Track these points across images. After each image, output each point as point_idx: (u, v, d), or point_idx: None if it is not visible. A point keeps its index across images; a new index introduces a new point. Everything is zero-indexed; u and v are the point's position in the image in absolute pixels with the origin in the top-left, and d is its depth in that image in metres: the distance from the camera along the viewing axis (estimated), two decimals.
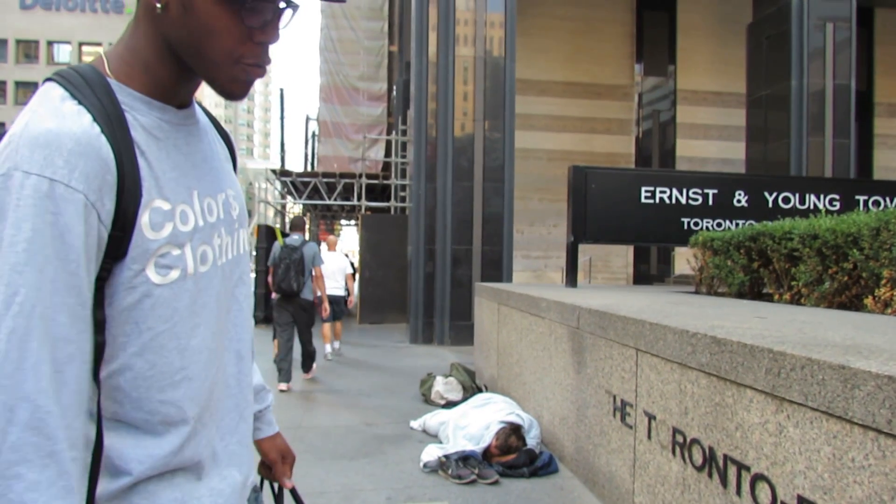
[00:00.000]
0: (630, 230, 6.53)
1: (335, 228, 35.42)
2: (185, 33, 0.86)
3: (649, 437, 2.96)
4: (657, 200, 6.49)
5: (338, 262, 9.17)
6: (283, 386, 6.43)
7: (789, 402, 1.99)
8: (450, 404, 5.48)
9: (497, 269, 10.38)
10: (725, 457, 2.34)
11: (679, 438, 2.68)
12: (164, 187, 0.88)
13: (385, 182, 15.13)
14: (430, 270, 10.42)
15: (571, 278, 6.48)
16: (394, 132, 15.16)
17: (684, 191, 6.53)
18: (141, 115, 0.88)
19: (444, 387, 5.89)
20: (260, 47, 0.88)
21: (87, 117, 0.81)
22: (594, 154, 16.79)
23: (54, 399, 0.72)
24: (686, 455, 2.62)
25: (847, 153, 11.09)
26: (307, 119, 23.60)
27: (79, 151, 0.77)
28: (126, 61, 0.89)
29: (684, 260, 7.61)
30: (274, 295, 6.71)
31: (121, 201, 0.81)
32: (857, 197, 6.65)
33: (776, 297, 4.79)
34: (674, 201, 6.51)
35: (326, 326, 8.59)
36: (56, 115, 0.79)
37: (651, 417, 2.94)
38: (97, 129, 0.80)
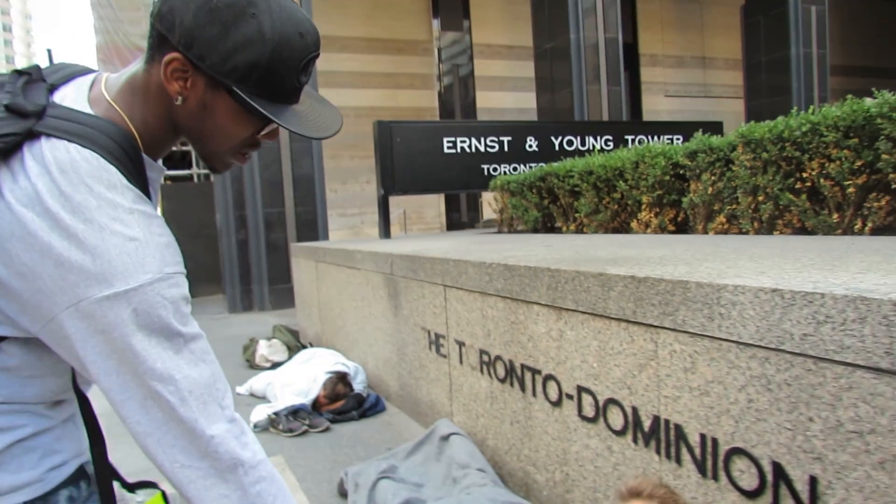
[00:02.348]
0: (436, 180, 6.89)
1: None
2: (198, 125, 0.92)
3: (461, 362, 3.28)
4: (459, 150, 6.89)
5: None
6: None
7: (565, 310, 2.36)
8: (275, 366, 5.51)
9: (313, 229, 10.36)
10: (522, 366, 2.70)
11: (485, 358, 3.02)
12: None
13: (184, 148, 14.26)
14: (243, 237, 10.14)
15: (385, 230, 6.72)
16: None
17: (482, 139, 7.00)
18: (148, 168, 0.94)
19: (268, 349, 5.89)
20: (258, 143, 0.98)
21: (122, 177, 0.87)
22: (400, 109, 17.04)
23: None
24: (492, 371, 2.97)
25: (619, 99, 12.41)
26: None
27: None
28: (131, 104, 0.91)
29: (491, 205, 8.19)
30: None
31: None
32: (626, 136, 7.57)
33: (564, 228, 5.39)
34: (474, 150, 6.95)
35: None
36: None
37: (461, 344, 3.26)
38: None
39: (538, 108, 13.59)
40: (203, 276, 12.80)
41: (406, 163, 6.63)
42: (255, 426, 4.08)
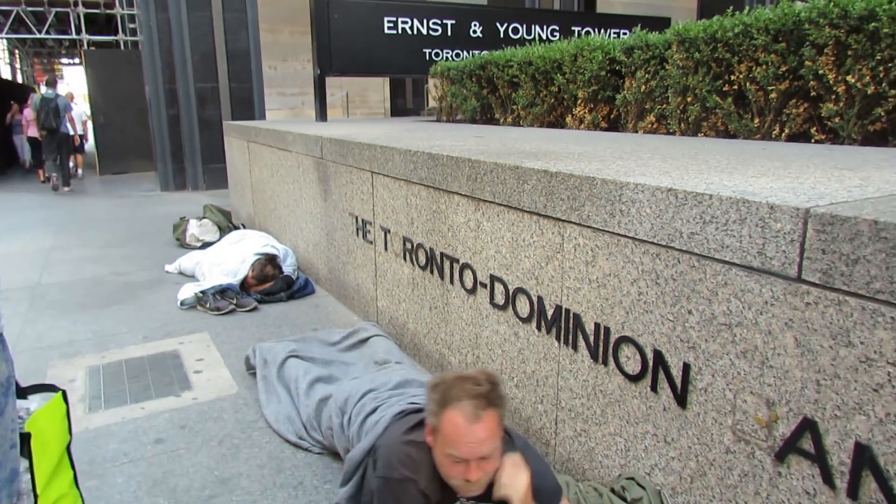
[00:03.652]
0: (376, 61, 6.64)
1: (55, 68, 30.43)
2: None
3: (386, 248, 3.33)
4: (400, 31, 6.61)
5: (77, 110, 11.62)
6: (68, 189, 10.09)
7: (483, 202, 2.39)
8: (206, 245, 5.46)
9: (249, 107, 9.97)
10: (442, 254, 2.76)
11: (408, 245, 3.07)
12: None
13: (109, 12, 13.20)
14: (175, 112, 9.68)
15: (321, 112, 6.52)
16: None
17: (425, 21, 6.71)
18: None
19: (198, 229, 5.81)
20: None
21: None
22: None
23: None
24: (414, 258, 3.03)
25: None
26: None
27: None
28: None
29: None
30: (41, 134, 10.24)
31: None
32: (573, 27, 7.40)
33: (501, 120, 5.35)
34: (415, 32, 6.68)
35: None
36: None
37: (386, 231, 3.29)
38: None
39: None
40: (135, 151, 12.29)
41: (344, 41, 6.34)
42: (183, 304, 4.09)
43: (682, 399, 1.63)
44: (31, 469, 1.23)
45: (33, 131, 11.11)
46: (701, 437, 1.59)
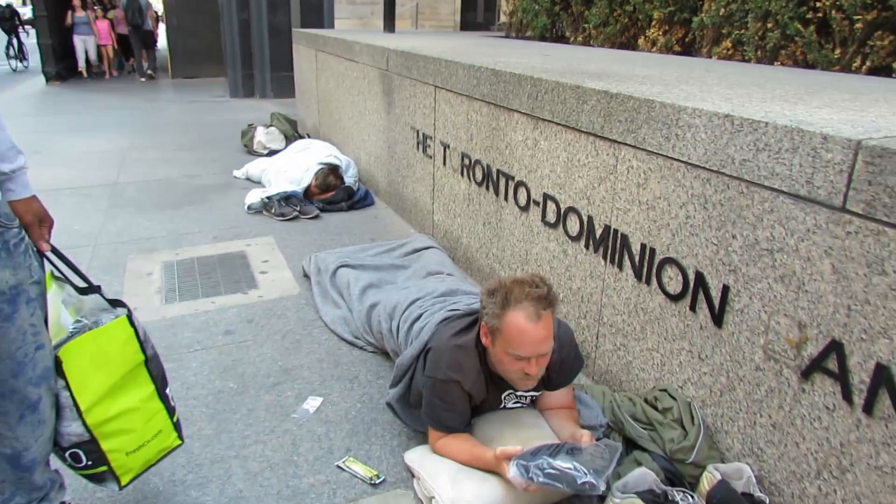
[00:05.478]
0: None
1: None
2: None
3: (444, 163, 3.40)
4: None
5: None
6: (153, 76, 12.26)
7: (542, 120, 2.42)
8: (272, 153, 5.64)
9: (318, 15, 9.90)
10: (498, 171, 2.82)
11: (466, 161, 3.14)
12: None
13: None
14: (245, 17, 9.74)
15: (389, 23, 6.48)
16: None
17: None
18: None
19: (265, 136, 5.99)
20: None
21: None
22: None
23: None
24: (471, 174, 3.10)
25: None
26: None
27: None
28: None
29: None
30: (127, 29, 12.04)
31: None
32: None
33: (572, 39, 5.23)
34: None
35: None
36: None
37: (446, 146, 3.36)
38: None
39: None
40: (206, 55, 12.49)
41: None
42: (250, 208, 4.30)
43: (718, 319, 1.70)
44: (67, 386, 1.32)
45: (123, 28, 12.42)
46: (733, 355, 1.67)
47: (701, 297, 1.75)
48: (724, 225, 1.63)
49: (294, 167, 4.58)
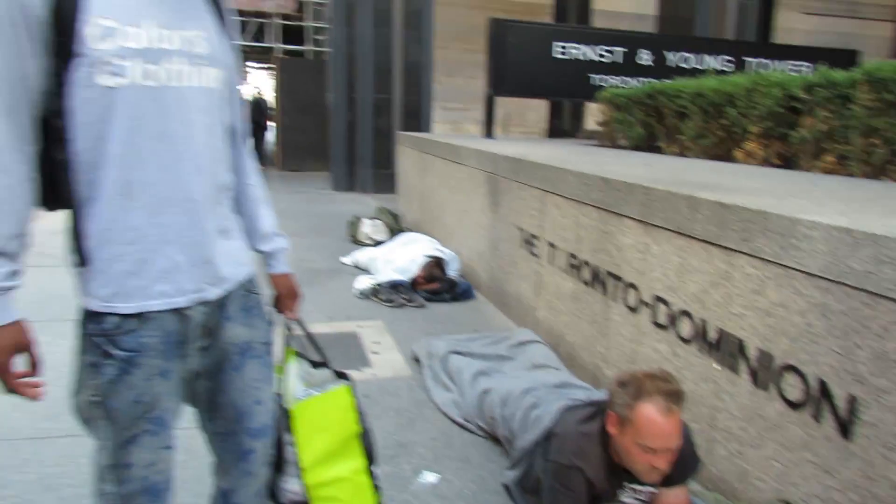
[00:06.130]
0: (544, 85, 6.94)
1: (243, 72, 33.73)
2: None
3: (551, 262, 3.58)
4: (569, 57, 6.86)
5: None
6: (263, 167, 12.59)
7: (653, 226, 2.58)
8: (377, 244, 6.00)
9: (417, 119, 10.62)
10: (607, 273, 2.97)
11: (573, 261, 3.31)
12: (114, 9, 1.11)
13: (300, 24, 14.57)
14: (352, 119, 10.55)
15: (489, 130, 6.91)
16: None
17: (594, 48, 6.92)
18: None
19: (371, 228, 6.38)
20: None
21: None
22: (513, 3, 16.52)
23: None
24: (578, 274, 3.26)
25: (748, 14, 11.64)
26: None
27: None
28: None
29: (594, 116, 8.15)
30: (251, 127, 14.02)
31: (55, 4, 1.07)
32: (747, 59, 7.27)
33: (666, 149, 5.43)
34: (584, 58, 6.91)
35: None
36: None
37: (553, 246, 3.55)
38: None
39: (660, 17, 12.94)
40: (311, 151, 13.49)
41: (517, 64, 6.69)
42: (360, 293, 4.59)
43: (846, 430, 1.73)
44: (295, 443, 1.50)
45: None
46: (866, 471, 1.68)
47: (825, 406, 1.80)
48: (847, 334, 1.71)
49: (401, 258, 4.88)
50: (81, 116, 1.13)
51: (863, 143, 3.59)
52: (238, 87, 1.40)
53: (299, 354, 1.67)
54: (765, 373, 2.01)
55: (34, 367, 1.19)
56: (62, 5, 1.07)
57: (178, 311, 1.24)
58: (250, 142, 1.51)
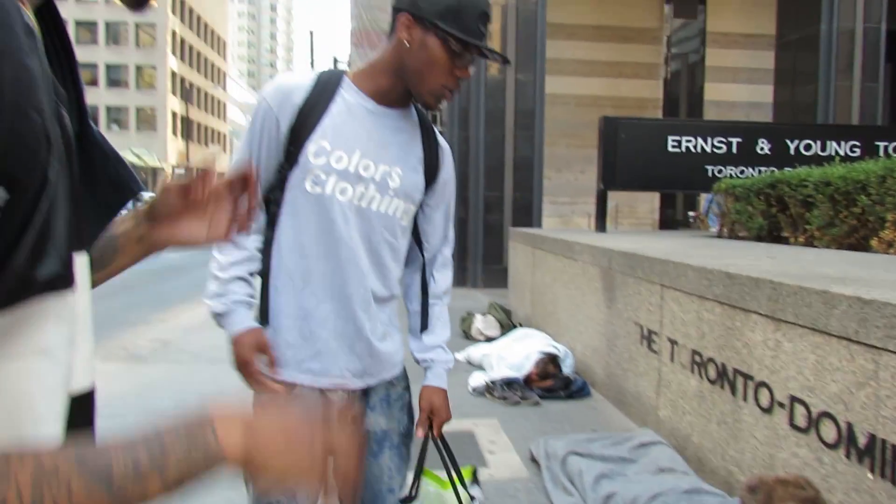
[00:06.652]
0: (657, 178, 6.91)
1: None
2: (416, 61, 1.37)
3: (672, 359, 3.46)
4: (683, 149, 6.83)
5: None
6: None
7: (784, 322, 2.46)
8: (489, 339, 6.03)
9: (527, 214, 10.79)
10: (735, 370, 2.83)
11: (697, 358, 3.18)
12: (333, 136, 1.39)
13: None
14: (463, 216, 10.88)
15: (601, 224, 6.92)
16: None
17: (709, 139, 6.86)
18: (349, 96, 1.43)
19: (483, 324, 6.44)
20: (456, 80, 1.40)
21: (311, 78, 1.44)
22: (622, 99, 16.79)
23: None
24: (702, 372, 3.12)
25: (875, 97, 11.16)
26: (335, 61, 23.81)
27: (284, 89, 1.42)
28: (363, 71, 1.47)
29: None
30: None
31: (296, 124, 1.38)
32: (877, 143, 6.92)
33: (791, 240, 5.19)
34: (699, 150, 6.84)
35: None
36: (297, 75, 1.46)
37: (674, 343, 3.44)
38: (308, 83, 1.42)
39: (775, 103, 12.66)
40: None
41: (628, 159, 6.73)
42: (474, 390, 4.59)
43: None
44: None
45: None
46: None
47: None
48: None
49: (515, 354, 4.86)
50: (287, 209, 1.41)
51: None
52: (443, 221, 1.64)
53: (449, 484, 1.77)
54: None
55: (271, 366, 1.42)
56: (300, 126, 1.39)
57: (321, 391, 1.43)
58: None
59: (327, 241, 1.40)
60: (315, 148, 1.37)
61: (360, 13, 18.17)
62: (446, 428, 1.65)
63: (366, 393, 1.50)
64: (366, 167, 1.41)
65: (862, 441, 2.07)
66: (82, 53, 34.24)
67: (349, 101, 1.42)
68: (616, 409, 4.27)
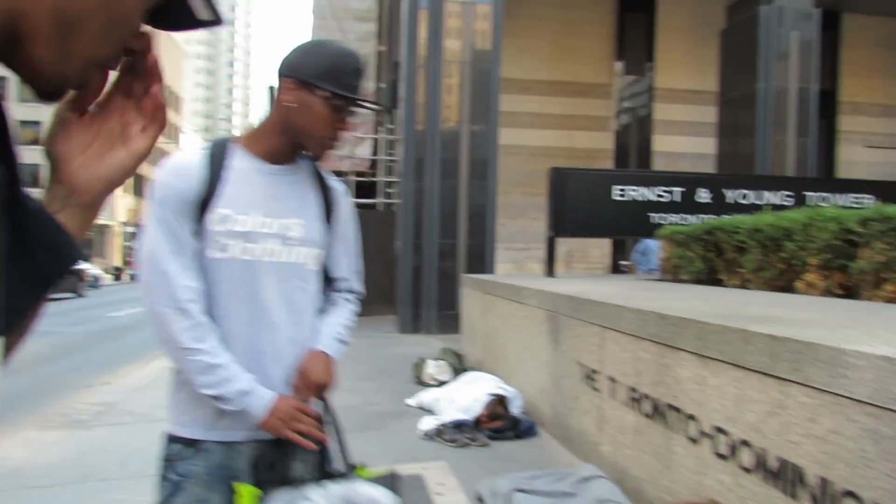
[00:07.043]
0: (604, 225, 7.22)
1: None
2: (302, 119, 1.51)
3: (612, 396, 3.62)
4: (628, 198, 7.16)
5: None
6: None
7: (709, 359, 2.65)
8: (441, 384, 6.11)
9: (481, 261, 11.00)
10: (667, 405, 3.00)
11: (634, 395, 3.34)
12: (233, 202, 1.48)
13: (372, 179, 15.68)
14: (418, 264, 11.02)
15: (550, 269, 7.14)
16: (379, 130, 15.70)
17: (653, 189, 7.21)
18: (242, 161, 1.54)
19: (435, 369, 6.52)
20: (340, 133, 1.55)
21: (202, 154, 1.52)
22: (574, 150, 17.35)
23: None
24: (639, 407, 3.28)
25: (807, 150, 11.86)
26: None
27: (179, 170, 1.49)
28: (251, 135, 1.59)
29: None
30: None
31: (196, 199, 1.46)
32: (806, 193, 7.38)
33: (727, 282, 5.48)
34: (643, 199, 7.19)
35: None
36: (188, 154, 1.54)
37: (613, 381, 3.60)
38: (199, 159, 1.50)
39: (719, 155, 13.32)
40: (377, 296, 13.96)
41: (576, 207, 7.03)
42: (425, 434, 4.65)
43: None
44: None
45: None
46: None
47: None
48: None
49: (464, 397, 4.96)
50: (206, 277, 1.49)
51: None
52: (345, 254, 1.75)
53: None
54: (824, 499, 1.99)
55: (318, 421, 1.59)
56: (204, 197, 1.47)
57: (228, 444, 1.52)
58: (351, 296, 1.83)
59: (238, 303, 1.50)
60: (217, 217, 1.46)
61: None
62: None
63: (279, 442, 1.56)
64: (267, 225, 1.52)
65: (773, 465, 2.23)
66: (26, 111, 33.53)
67: (243, 167, 1.53)
68: (562, 447, 4.39)
